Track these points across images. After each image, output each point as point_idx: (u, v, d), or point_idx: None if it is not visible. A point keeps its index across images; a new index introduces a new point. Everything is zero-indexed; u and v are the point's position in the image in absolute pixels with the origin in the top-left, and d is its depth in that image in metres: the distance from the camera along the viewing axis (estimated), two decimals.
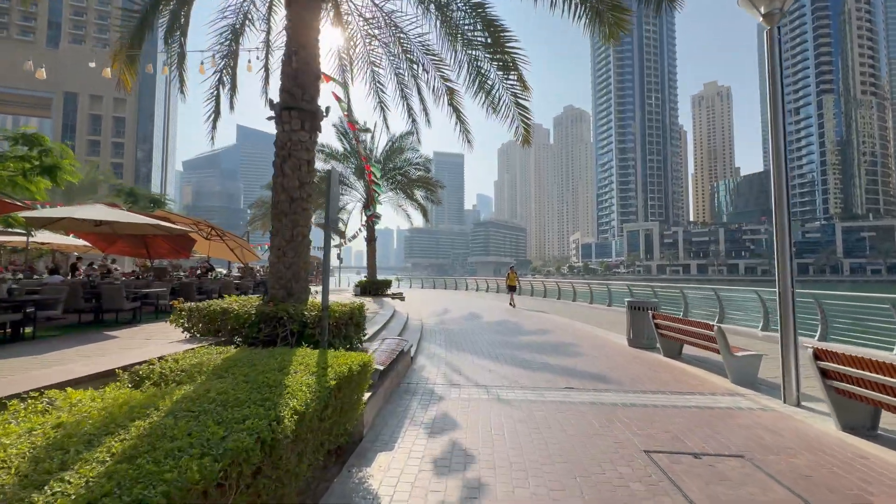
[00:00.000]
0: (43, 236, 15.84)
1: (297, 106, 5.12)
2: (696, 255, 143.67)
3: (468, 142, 8.85)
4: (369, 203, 20.08)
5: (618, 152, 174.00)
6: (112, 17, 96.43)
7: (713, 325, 5.75)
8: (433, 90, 8.41)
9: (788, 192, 5.14)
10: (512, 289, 18.13)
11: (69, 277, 15.51)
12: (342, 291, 22.49)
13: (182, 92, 8.70)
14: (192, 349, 3.63)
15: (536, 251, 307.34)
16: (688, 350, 7.35)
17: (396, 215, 21.74)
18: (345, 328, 4.81)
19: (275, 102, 5.19)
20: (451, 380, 5.64)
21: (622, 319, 12.37)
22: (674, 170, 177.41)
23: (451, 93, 8.44)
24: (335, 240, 33.22)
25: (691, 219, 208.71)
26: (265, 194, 32.07)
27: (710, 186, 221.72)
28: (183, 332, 4.64)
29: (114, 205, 13.64)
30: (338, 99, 10.45)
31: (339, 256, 37.76)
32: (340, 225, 25.53)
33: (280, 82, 5.24)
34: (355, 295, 19.41)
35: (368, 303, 15.31)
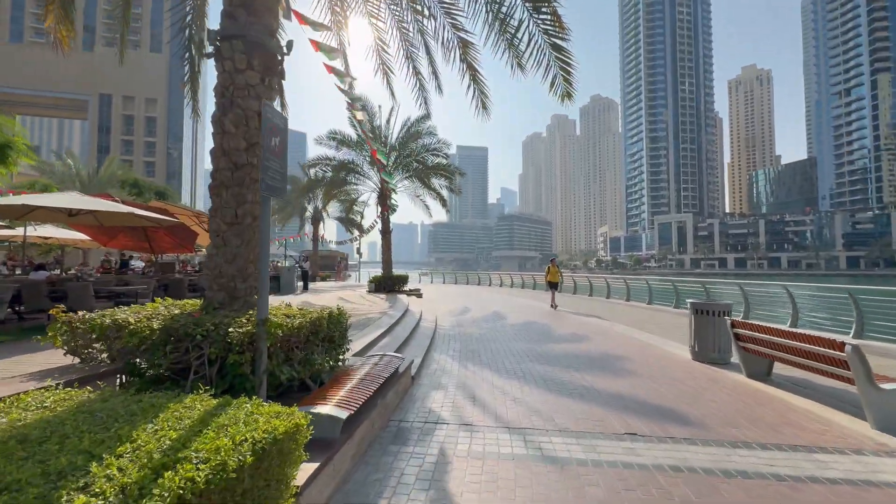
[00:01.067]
0: (45, 230, 15.20)
1: (241, 34, 3.66)
2: (734, 248, 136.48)
3: (484, 107, 7.22)
4: (384, 193, 18.68)
5: (648, 141, 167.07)
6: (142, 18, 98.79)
7: (843, 342, 3.94)
8: (443, 42, 6.82)
9: None
10: (553, 286, 14.65)
11: (60, 273, 14.81)
12: (357, 287, 21.27)
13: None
14: (36, 390, 2.23)
15: (562, 245, 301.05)
16: (778, 368, 5.55)
17: (414, 207, 20.28)
18: (301, 349, 3.32)
19: (211, 31, 3.75)
20: (462, 415, 4.08)
21: (672, 322, 10.57)
22: (709, 159, 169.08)
23: (464, 46, 6.83)
24: (351, 233, 32.21)
25: (727, 210, 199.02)
26: None
27: (747, 176, 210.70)
28: (65, 353, 3.28)
29: (105, 195, 12.70)
30: (330, 70, 8.97)
31: (358, 251, 36.79)
32: (355, 216, 24.32)
33: (222, 5, 3.80)
34: (369, 292, 18.11)
35: (380, 301, 13.93)
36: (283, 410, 2.04)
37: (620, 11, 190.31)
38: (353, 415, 2.94)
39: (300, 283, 19.04)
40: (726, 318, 5.97)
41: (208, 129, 3.71)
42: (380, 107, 18.72)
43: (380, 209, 19.22)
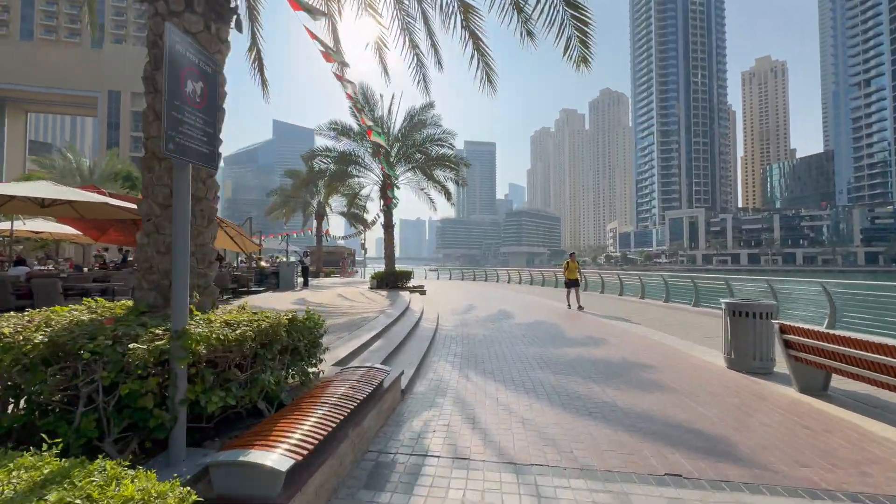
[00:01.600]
0: (34, 224, 14.71)
1: None
2: (747, 243, 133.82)
3: (489, 81, 6.41)
4: (386, 186, 17.91)
5: (659, 135, 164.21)
6: None
7: None
8: (441, 7, 6.00)
9: None
10: (573, 284, 12.90)
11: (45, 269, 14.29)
12: (360, 284, 20.58)
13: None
14: None
15: (570, 241, 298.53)
16: (836, 381, 4.69)
17: (419, 200, 19.46)
18: (247, 367, 2.55)
19: None
20: (459, 444, 3.30)
21: (694, 323, 9.66)
22: (721, 152, 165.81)
23: (465, 11, 6.00)
24: (356, 228, 31.56)
25: (740, 205, 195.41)
26: (286, 182, 30.65)
27: (761, 170, 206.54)
28: None
29: (90, 187, 12.10)
30: (313, 36, 8.18)
31: (363, 246, 36.15)
32: (358, 210, 23.67)
33: None
34: (370, 288, 17.40)
35: (380, 298, 13.19)
36: (153, 490, 1.27)
37: (631, 2, 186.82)
38: (306, 459, 2.18)
39: (300, 280, 18.41)
40: (773, 321, 5.10)
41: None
42: (381, 96, 17.96)
43: (382, 203, 18.47)
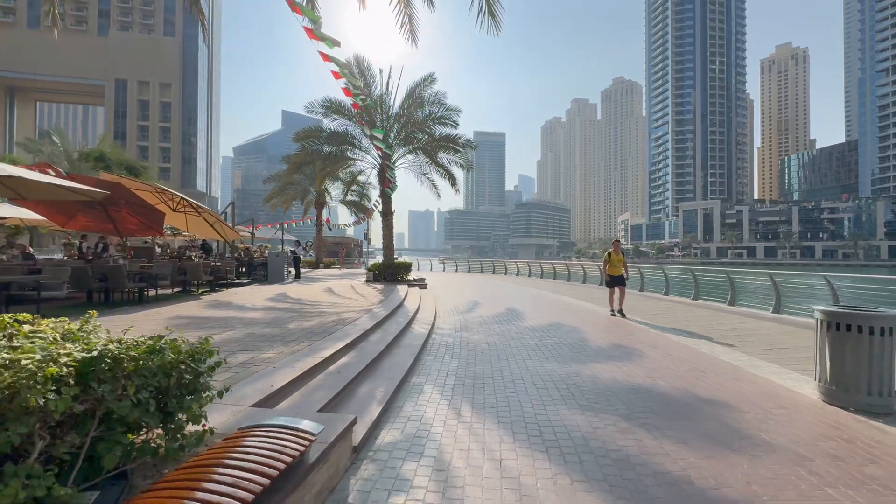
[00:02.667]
0: (2, 210, 13.46)
1: None
2: (764, 236, 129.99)
3: (491, 14, 4.76)
4: (384, 169, 16.33)
5: (674, 124, 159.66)
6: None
7: None
8: None
9: None
10: (617, 282, 9.74)
11: None
12: (359, 276, 19.11)
13: None
14: None
15: (581, 233, 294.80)
16: None
17: (426, 190, 17.87)
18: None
19: None
20: None
21: (741, 326, 7.81)
22: (739, 143, 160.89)
23: None
24: (357, 216, 30.09)
25: (756, 197, 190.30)
26: (284, 169, 29.20)
27: (778, 161, 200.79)
28: None
29: (42, 166, 10.72)
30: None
31: (366, 236, 34.73)
32: (356, 197, 22.17)
33: None
34: (367, 281, 15.94)
35: (373, 293, 11.71)
36: None
37: None
38: None
39: (292, 271, 17.02)
40: None
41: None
42: (381, 71, 16.30)
43: (380, 188, 16.93)
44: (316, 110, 15.39)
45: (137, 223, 12.89)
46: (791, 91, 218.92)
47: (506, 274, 30.01)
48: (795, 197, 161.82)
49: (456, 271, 34.70)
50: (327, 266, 28.78)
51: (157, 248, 15.97)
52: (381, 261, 17.17)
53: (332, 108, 15.43)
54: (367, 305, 8.91)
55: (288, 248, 16.55)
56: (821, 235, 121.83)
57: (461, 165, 16.96)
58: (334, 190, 28.70)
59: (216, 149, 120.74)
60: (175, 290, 12.00)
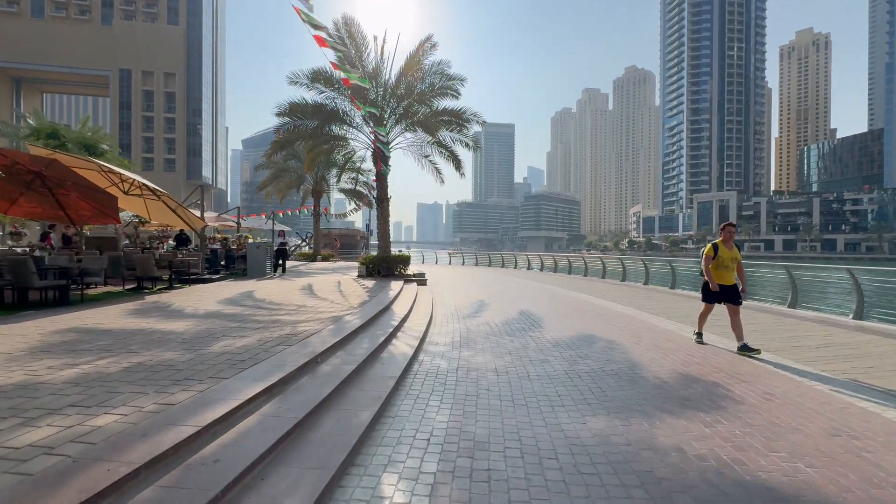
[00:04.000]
0: None
1: None
2: (783, 228, 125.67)
3: None
4: (378, 151, 14.31)
5: (689, 114, 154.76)
6: None
7: None
8: None
9: None
10: (728, 296, 5.69)
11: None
12: (349, 270, 17.18)
13: None
14: None
15: (591, 225, 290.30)
16: None
17: (422, 171, 15.85)
18: None
19: None
20: None
21: (835, 341, 5.68)
22: (757, 132, 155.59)
23: None
24: (351, 203, 28.14)
25: (772, 188, 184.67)
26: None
27: (797, 151, 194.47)
28: None
29: None
30: None
31: (367, 227, 32.88)
32: (347, 182, 20.19)
33: None
34: (359, 276, 14.02)
35: (358, 292, 9.73)
36: None
37: None
38: None
39: (279, 264, 15.15)
40: None
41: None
42: (374, 38, 14.19)
43: (375, 171, 14.94)
44: (301, 81, 13.37)
45: (91, 209, 11.06)
46: (812, 79, 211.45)
47: (515, 268, 27.95)
48: (815, 188, 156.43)
49: (463, 264, 32.68)
50: (325, 259, 26.95)
51: (125, 238, 14.16)
52: (375, 253, 15.20)
53: (318, 78, 13.38)
54: (342, 310, 6.97)
55: (278, 240, 14.66)
56: (843, 228, 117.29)
57: (466, 144, 14.84)
58: (333, 178, 26.76)
59: (222, 140, 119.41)
60: (128, 287, 10.21)
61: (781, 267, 10.09)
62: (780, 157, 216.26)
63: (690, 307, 9.54)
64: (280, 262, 14.47)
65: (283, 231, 15.02)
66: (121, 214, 12.81)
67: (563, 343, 6.04)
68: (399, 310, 7.71)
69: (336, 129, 15.25)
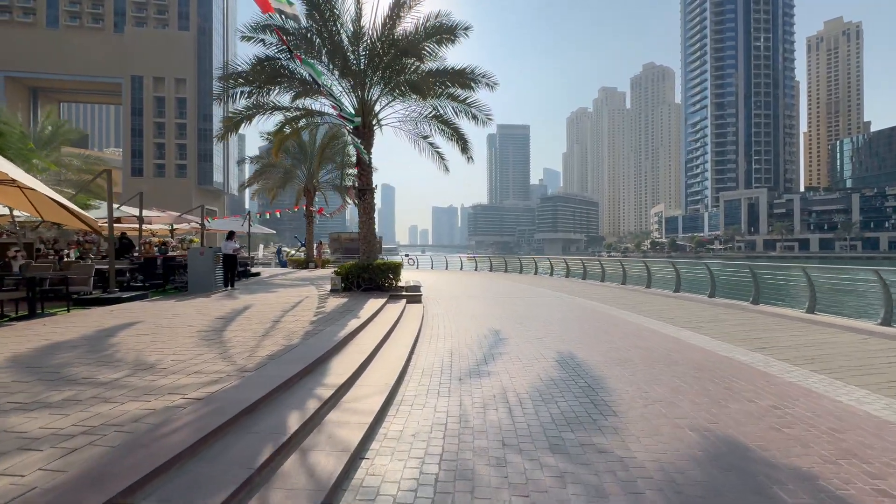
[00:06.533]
0: None
1: None
2: (818, 227, 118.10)
3: None
4: (360, 128, 10.90)
5: (714, 108, 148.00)
6: None
7: None
8: None
9: None
10: None
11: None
12: (322, 283, 13.50)
13: None
14: None
15: (609, 227, 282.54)
16: None
17: (421, 156, 12.30)
18: None
19: None
20: None
21: None
22: (787, 126, 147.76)
23: None
24: (351, 202, 24.78)
25: (802, 184, 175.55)
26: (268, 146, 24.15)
27: (827, 146, 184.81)
28: None
29: None
30: None
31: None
32: (329, 170, 16.85)
33: None
34: (332, 291, 10.59)
35: (301, 326, 6.25)
36: None
37: None
38: None
39: (229, 275, 11.86)
40: None
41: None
42: None
43: (357, 153, 11.53)
44: (246, 34, 10.03)
45: None
46: (842, 70, 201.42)
47: (535, 273, 24.21)
48: (849, 184, 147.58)
49: (476, 270, 29.04)
50: (320, 266, 23.64)
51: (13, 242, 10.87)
52: (361, 259, 11.72)
53: (265, 28, 9.96)
54: (226, 374, 3.49)
55: (228, 245, 11.35)
56: (885, 225, 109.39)
57: (474, 117, 11.28)
58: (326, 174, 23.54)
59: (233, 144, 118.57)
60: None
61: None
62: (809, 153, 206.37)
63: (744, 322, 5.73)
64: (229, 273, 11.14)
65: (234, 232, 11.69)
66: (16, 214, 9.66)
67: (686, 477, 2.44)
68: (344, 364, 4.21)
69: (311, 104, 11.91)
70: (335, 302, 8.61)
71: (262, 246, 64.86)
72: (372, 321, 6.63)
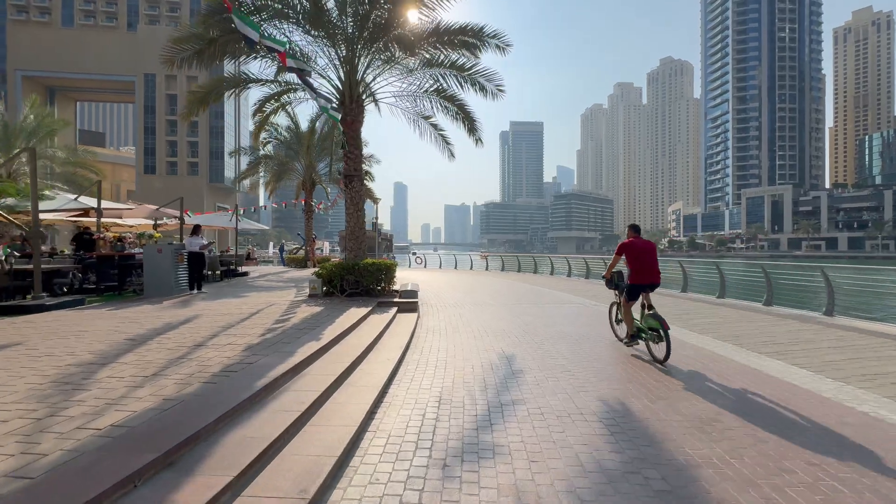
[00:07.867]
0: None
1: None
2: (847, 225, 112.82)
3: None
4: (346, 100, 9.16)
5: (735, 102, 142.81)
6: None
7: None
8: None
9: None
10: None
11: None
12: (303, 285, 11.87)
13: None
14: None
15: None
16: None
17: (421, 140, 10.45)
18: None
19: None
20: None
21: None
22: (815, 120, 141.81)
23: None
24: (339, 189, 23.11)
25: (828, 181, 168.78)
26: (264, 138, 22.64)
27: (854, 141, 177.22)
28: None
29: None
30: None
31: (374, 224, 27.84)
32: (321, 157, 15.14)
33: None
34: (311, 296, 8.84)
35: (215, 360, 4.55)
36: None
37: None
38: None
39: (196, 276, 10.22)
40: None
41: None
42: None
43: (345, 139, 9.78)
44: None
45: None
46: (872, 62, 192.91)
47: (552, 274, 22.20)
48: (878, 181, 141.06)
49: (486, 269, 27.13)
50: (315, 265, 22.02)
51: None
52: (347, 258, 9.96)
53: None
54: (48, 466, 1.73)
55: (193, 241, 9.70)
56: None
57: (482, 88, 9.42)
58: (325, 167, 21.90)
59: (245, 140, 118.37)
60: None
61: None
62: (835, 148, 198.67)
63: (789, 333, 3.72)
64: (196, 273, 9.49)
65: (200, 227, 10.05)
66: None
67: None
68: (231, 451, 2.42)
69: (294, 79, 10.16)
70: (305, 312, 6.85)
71: (272, 243, 63.89)
72: (337, 343, 4.85)
